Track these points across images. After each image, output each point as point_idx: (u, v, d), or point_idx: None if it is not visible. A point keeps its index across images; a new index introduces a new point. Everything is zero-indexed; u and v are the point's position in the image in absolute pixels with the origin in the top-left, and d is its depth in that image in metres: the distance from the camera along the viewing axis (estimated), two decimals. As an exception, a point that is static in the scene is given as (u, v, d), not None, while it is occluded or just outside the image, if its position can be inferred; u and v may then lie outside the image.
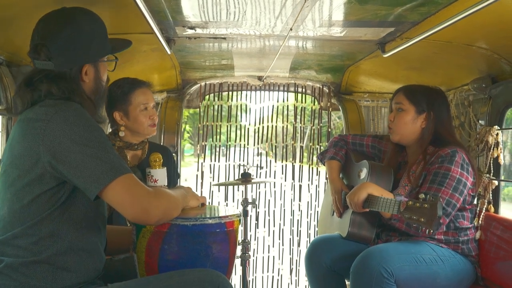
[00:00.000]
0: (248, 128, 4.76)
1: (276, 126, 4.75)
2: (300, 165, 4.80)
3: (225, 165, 4.68)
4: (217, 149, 4.62)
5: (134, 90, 2.85)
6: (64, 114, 1.75)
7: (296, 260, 4.70)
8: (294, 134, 4.72)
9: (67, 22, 1.89)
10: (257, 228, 4.70)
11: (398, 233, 2.84)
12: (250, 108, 4.73)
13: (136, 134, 2.91)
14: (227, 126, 4.68)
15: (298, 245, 4.69)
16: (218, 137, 4.60)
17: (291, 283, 4.72)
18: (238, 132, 4.71)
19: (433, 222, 2.22)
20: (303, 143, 4.78)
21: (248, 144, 4.74)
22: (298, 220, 4.71)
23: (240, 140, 4.72)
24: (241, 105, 4.68)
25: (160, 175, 2.72)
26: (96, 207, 1.90)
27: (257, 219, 4.69)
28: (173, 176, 3.08)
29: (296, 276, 4.70)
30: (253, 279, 4.66)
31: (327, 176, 3.41)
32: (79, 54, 1.91)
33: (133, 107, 2.84)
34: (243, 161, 4.71)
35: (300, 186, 4.73)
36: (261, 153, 4.79)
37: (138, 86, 2.87)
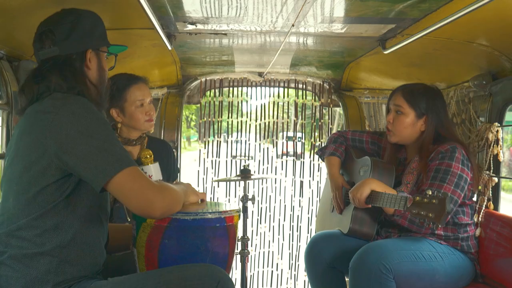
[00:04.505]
0: (249, 124, 4.77)
1: (276, 122, 4.75)
2: (301, 161, 4.80)
3: (226, 160, 4.68)
4: (219, 145, 4.62)
5: (130, 87, 2.82)
6: (71, 107, 1.78)
7: (296, 255, 4.71)
8: (294, 130, 4.73)
9: (70, 12, 1.98)
10: (259, 223, 4.71)
11: (397, 229, 2.84)
12: (250, 105, 4.75)
13: (133, 130, 2.90)
14: (228, 122, 4.68)
15: (298, 240, 4.71)
16: (218, 132, 4.60)
17: (291, 278, 4.74)
18: (239, 127, 4.71)
19: (441, 217, 2.21)
20: (303, 139, 4.78)
21: (249, 140, 4.75)
22: (298, 215, 4.72)
23: (241, 136, 4.73)
24: (241, 100, 4.69)
25: (153, 170, 2.73)
26: (100, 201, 1.92)
27: (258, 214, 4.70)
28: (173, 171, 3.09)
29: (295, 271, 4.71)
30: (254, 274, 4.68)
31: (327, 172, 3.41)
32: (82, 38, 1.97)
33: (128, 104, 2.81)
34: (244, 156, 4.72)
35: (302, 182, 4.74)
36: (263, 148, 4.80)
37: (133, 82, 2.84)
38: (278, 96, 4.76)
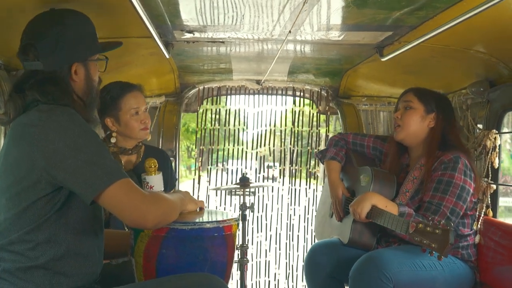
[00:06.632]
0: (247, 132, 4.78)
1: (274, 130, 4.75)
2: (299, 169, 4.79)
3: (221, 169, 4.68)
4: (215, 154, 4.62)
5: (124, 95, 2.79)
6: (57, 119, 1.74)
7: (293, 265, 4.70)
8: (292, 138, 4.72)
9: (55, 21, 1.90)
10: (256, 232, 4.70)
11: (397, 238, 2.83)
12: (247, 113, 4.74)
13: (129, 139, 2.88)
14: (225, 130, 4.67)
15: (297, 250, 4.69)
16: (216, 141, 4.60)
17: (287, 288, 4.73)
18: (237, 137, 4.72)
19: (444, 249, 2.16)
20: (301, 147, 4.78)
21: (246, 148, 4.75)
22: (293, 224, 4.71)
23: (238, 145, 4.73)
24: (239, 109, 4.69)
25: (156, 181, 2.71)
26: (93, 212, 1.89)
27: (253, 223, 4.69)
28: (170, 180, 3.08)
29: (292, 281, 4.69)
30: (251, 284, 4.66)
31: (325, 175, 3.39)
32: (68, 53, 1.90)
33: (123, 113, 2.79)
34: (241, 165, 4.72)
35: (299, 190, 4.72)
36: (260, 157, 4.80)
37: (128, 90, 2.81)
38: (276, 104, 4.76)
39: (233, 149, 4.73)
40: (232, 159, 4.74)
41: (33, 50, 1.85)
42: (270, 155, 4.86)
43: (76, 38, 1.92)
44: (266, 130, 4.74)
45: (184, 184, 4.56)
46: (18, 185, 1.75)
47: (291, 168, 4.72)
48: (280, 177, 4.85)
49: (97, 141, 1.77)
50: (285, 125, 4.74)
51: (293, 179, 4.72)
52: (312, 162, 4.67)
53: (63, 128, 1.72)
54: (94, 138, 1.77)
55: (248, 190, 3.09)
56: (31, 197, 1.74)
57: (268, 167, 4.95)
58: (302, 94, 4.57)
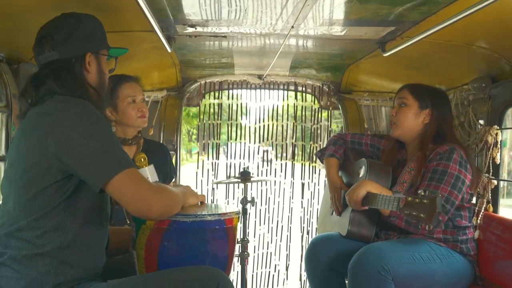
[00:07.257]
0: (249, 127, 4.78)
1: (276, 125, 4.76)
2: (302, 164, 4.81)
3: (225, 163, 4.69)
4: (218, 147, 4.62)
5: (121, 84, 2.88)
6: (72, 109, 1.79)
7: (300, 255, 4.72)
8: (294, 132, 4.73)
9: (69, 17, 1.99)
10: (259, 225, 4.73)
11: (397, 231, 2.85)
12: (249, 107, 4.75)
13: (127, 128, 2.93)
14: (227, 125, 4.68)
15: (301, 241, 4.71)
16: (218, 135, 4.61)
17: (287, 279, 4.76)
18: (239, 130, 4.72)
19: (432, 217, 2.20)
20: (303, 142, 4.78)
21: (249, 142, 4.76)
22: (300, 217, 4.73)
23: (240, 139, 4.73)
24: (241, 103, 4.70)
25: (149, 172, 2.73)
26: (100, 204, 1.93)
27: (256, 216, 4.70)
28: (169, 172, 3.10)
29: (300, 271, 4.72)
30: (252, 275, 4.69)
31: (326, 174, 3.42)
32: (81, 42, 1.98)
33: (120, 100, 2.87)
34: (243, 158, 4.73)
35: (302, 184, 4.74)
36: (263, 151, 4.81)
37: (125, 80, 2.90)
38: (278, 99, 4.77)
39: (235, 144, 4.74)
40: (235, 152, 4.75)
41: (50, 40, 1.93)
42: (272, 149, 4.88)
43: (89, 30, 2.01)
44: (268, 125, 4.74)
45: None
46: (29, 172, 1.79)
47: (293, 162, 4.73)
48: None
49: (108, 131, 1.82)
50: (287, 120, 4.75)
51: (295, 172, 4.73)
52: (314, 157, 4.67)
53: (77, 117, 1.77)
54: (105, 127, 1.82)
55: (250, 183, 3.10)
56: (41, 184, 1.78)
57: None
58: (304, 89, 4.57)
